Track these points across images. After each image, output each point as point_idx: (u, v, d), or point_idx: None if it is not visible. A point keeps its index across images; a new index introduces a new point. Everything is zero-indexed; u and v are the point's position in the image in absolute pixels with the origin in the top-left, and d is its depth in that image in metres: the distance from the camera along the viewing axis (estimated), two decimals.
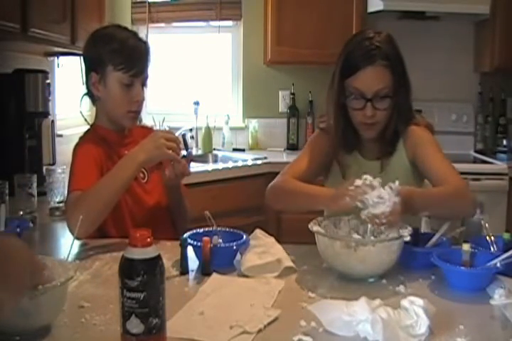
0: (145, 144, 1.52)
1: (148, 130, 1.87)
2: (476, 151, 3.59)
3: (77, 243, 1.46)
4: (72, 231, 1.41)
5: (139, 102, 1.65)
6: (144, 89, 1.68)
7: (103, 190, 1.47)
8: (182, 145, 1.58)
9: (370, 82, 1.55)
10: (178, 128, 3.35)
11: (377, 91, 1.55)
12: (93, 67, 1.63)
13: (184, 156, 1.62)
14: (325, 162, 1.71)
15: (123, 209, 1.63)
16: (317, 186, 1.58)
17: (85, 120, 1.80)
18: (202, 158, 3.37)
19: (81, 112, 1.78)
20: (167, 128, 3.09)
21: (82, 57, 1.71)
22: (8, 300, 0.83)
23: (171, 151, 1.51)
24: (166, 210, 1.77)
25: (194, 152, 3.47)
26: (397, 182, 1.32)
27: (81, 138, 1.69)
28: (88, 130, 1.73)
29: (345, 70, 1.59)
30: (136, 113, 1.68)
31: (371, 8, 3.30)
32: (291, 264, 1.35)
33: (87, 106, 1.77)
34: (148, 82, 1.71)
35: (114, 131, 1.70)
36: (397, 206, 1.28)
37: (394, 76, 1.57)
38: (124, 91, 1.62)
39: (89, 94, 1.68)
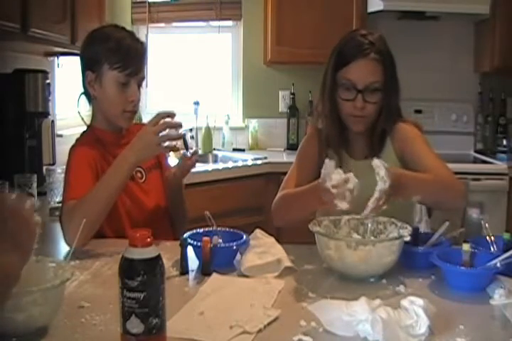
0: (135, 144, 1.50)
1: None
2: (476, 151, 3.59)
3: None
4: (69, 242, 1.40)
5: (135, 102, 1.64)
6: (140, 89, 1.67)
7: (97, 196, 1.46)
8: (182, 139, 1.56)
9: (362, 73, 1.59)
10: None
11: (368, 84, 1.58)
12: (89, 66, 1.63)
13: (184, 154, 1.62)
14: (316, 165, 1.69)
15: (120, 209, 1.62)
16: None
17: (82, 119, 1.79)
18: (202, 158, 3.36)
19: (79, 112, 1.78)
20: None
21: (79, 56, 1.71)
22: (19, 262, 0.85)
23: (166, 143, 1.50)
24: (165, 211, 1.76)
25: None
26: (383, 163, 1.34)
27: (77, 141, 1.68)
28: (85, 131, 1.72)
29: (337, 63, 1.62)
30: (132, 113, 1.67)
31: (371, 8, 3.30)
32: (291, 264, 1.35)
33: (86, 107, 1.76)
34: (146, 82, 1.73)
35: (111, 131, 1.69)
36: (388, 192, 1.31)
37: (385, 71, 1.60)
38: (120, 90, 1.61)
39: (86, 93, 1.68)
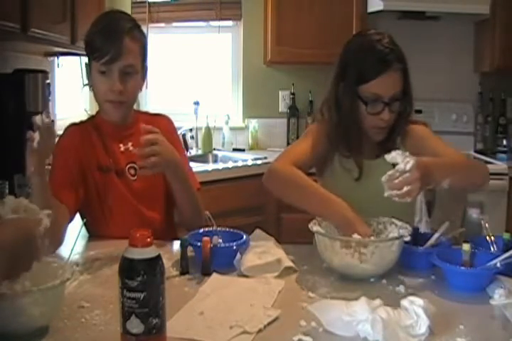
0: None
1: (160, 119, 1.75)
2: (476, 151, 3.59)
3: (78, 243, 1.45)
4: None
5: (116, 92, 1.54)
6: (134, 78, 1.57)
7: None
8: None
9: (388, 86, 1.54)
10: (178, 128, 3.34)
11: (393, 95, 1.54)
12: (88, 59, 1.61)
13: None
14: (323, 154, 1.67)
15: (102, 207, 1.60)
16: (324, 190, 1.50)
17: (85, 110, 1.78)
18: (202, 158, 3.37)
19: (86, 110, 1.77)
20: None
21: None
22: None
23: None
24: (161, 213, 1.68)
25: (194, 152, 3.47)
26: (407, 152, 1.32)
27: (69, 126, 1.66)
28: (93, 116, 1.71)
29: (360, 77, 1.55)
30: (116, 103, 1.57)
31: (371, 8, 3.30)
32: (291, 264, 1.35)
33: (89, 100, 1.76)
34: (146, 82, 1.66)
35: (110, 122, 1.64)
36: (416, 170, 1.26)
37: (406, 77, 1.57)
38: (102, 80, 1.55)
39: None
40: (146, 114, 1.81)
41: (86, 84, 1.66)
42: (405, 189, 1.26)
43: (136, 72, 1.58)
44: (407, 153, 1.32)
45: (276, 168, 1.56)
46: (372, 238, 1.36)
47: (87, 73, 1.63)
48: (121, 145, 1.64)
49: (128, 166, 1.64)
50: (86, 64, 1.62)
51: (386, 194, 1.28)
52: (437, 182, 1.39)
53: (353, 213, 1.38)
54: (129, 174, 1.64)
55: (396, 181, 1.27)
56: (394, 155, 1.30)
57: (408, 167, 1.26)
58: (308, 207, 1.47)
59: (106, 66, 1.53)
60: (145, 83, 1.67)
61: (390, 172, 1.28)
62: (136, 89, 1.60)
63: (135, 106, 1.73)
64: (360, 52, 1.58)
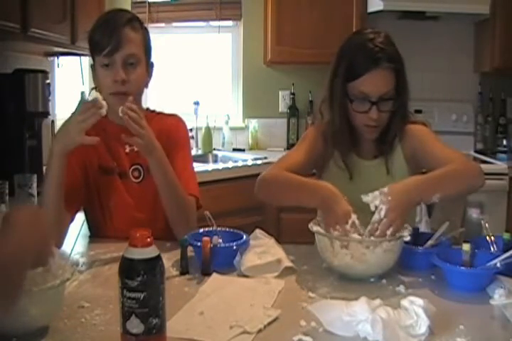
0: (57, 133, 1.45)
1: (170, 118, 1.71)
2: (476, 151, 3.59)
3: (78, 243, 1.46)
4: None
5: (118, 82, 1.51)
6: (136, 69, 1.54)
7: (44, 194, 1.47)
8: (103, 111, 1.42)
9: (376, 85, 1.54)
10: None
11: (382, 95, 1.54)
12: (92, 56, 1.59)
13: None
14: (320, 156, 1.68)
15: (102, 208, 1.60)
16: (311, 180, 1.53)
17: None
18: (202, 158, 3.36)
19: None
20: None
21: None
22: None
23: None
24: (159, 215, 1.63)
25: (194, 152, 3.47)
26: (385, 188, 1.33)
27: None
28: None
29: (349, 74, 1.56)
30: (120, 94, 1.52)
31: (371, 8, 3.30)
32: (291, 264, 1.35)
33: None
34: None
35: (116, 122, 1.59)
36: (391, 212, 1.30)
37: (397, 78, 1.56)
38: (106, 73, 1.53)
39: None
40: (158, 113, 1.74)
41: (93, 88, 1.64)
42: (389, 232, 1.30)
43: (139, 63, 1.56)
44: (386, 190, 1.33)
45: (263, 176, 1.58)
46: (370, 235, 1.36)
47: (92, 74, 1.61)
48: (126, 146, 1.62)
49: (132, 168, 1.63)
50: (91, 65, 1.61)
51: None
52: (426, 200, 1.41)
53: (334, 191, 1.37)
54: (133, 176, 1.63)
55: (377, 233, 1.31)
56: (370, 199, 1.34)
57: (382, 214, 1.31)
58: (296, 200, 1.48)
59: (108, 58, 1.52)
60: (150, 80, 1.64)
61: (368, 228, 1.33)
62: (139, 81, 1.57)
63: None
64: (352, 49, 1.58)
